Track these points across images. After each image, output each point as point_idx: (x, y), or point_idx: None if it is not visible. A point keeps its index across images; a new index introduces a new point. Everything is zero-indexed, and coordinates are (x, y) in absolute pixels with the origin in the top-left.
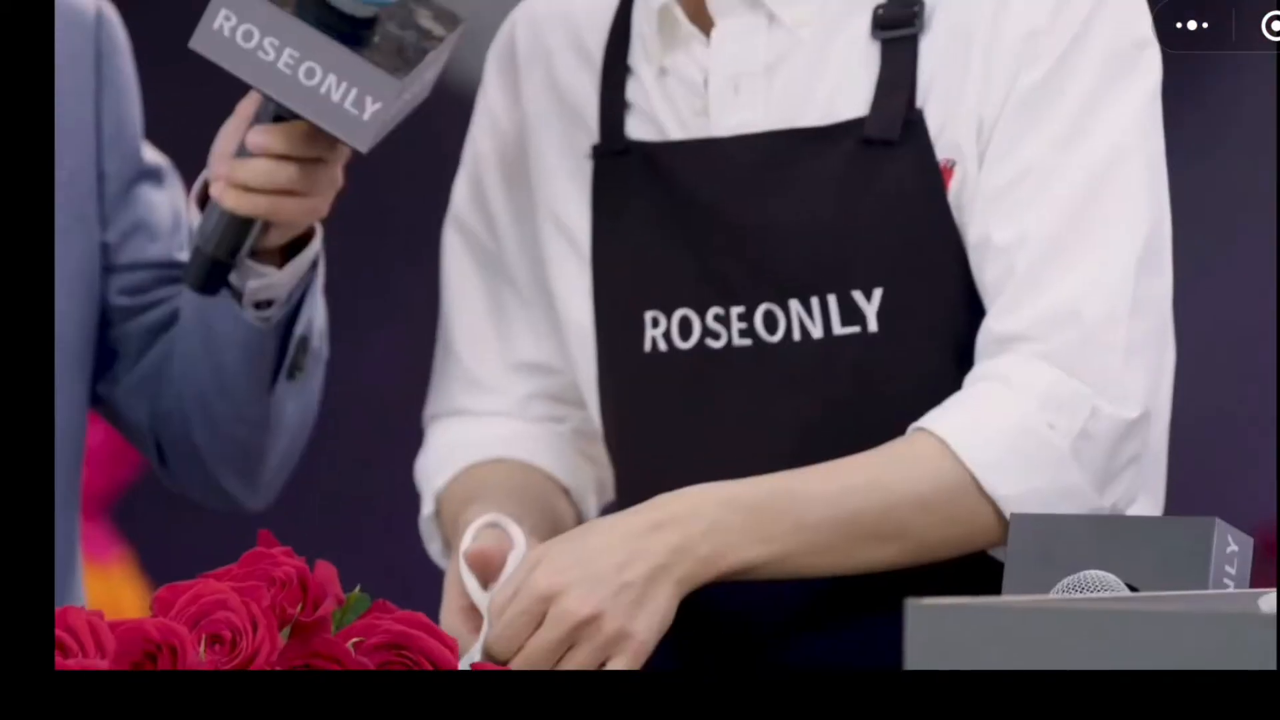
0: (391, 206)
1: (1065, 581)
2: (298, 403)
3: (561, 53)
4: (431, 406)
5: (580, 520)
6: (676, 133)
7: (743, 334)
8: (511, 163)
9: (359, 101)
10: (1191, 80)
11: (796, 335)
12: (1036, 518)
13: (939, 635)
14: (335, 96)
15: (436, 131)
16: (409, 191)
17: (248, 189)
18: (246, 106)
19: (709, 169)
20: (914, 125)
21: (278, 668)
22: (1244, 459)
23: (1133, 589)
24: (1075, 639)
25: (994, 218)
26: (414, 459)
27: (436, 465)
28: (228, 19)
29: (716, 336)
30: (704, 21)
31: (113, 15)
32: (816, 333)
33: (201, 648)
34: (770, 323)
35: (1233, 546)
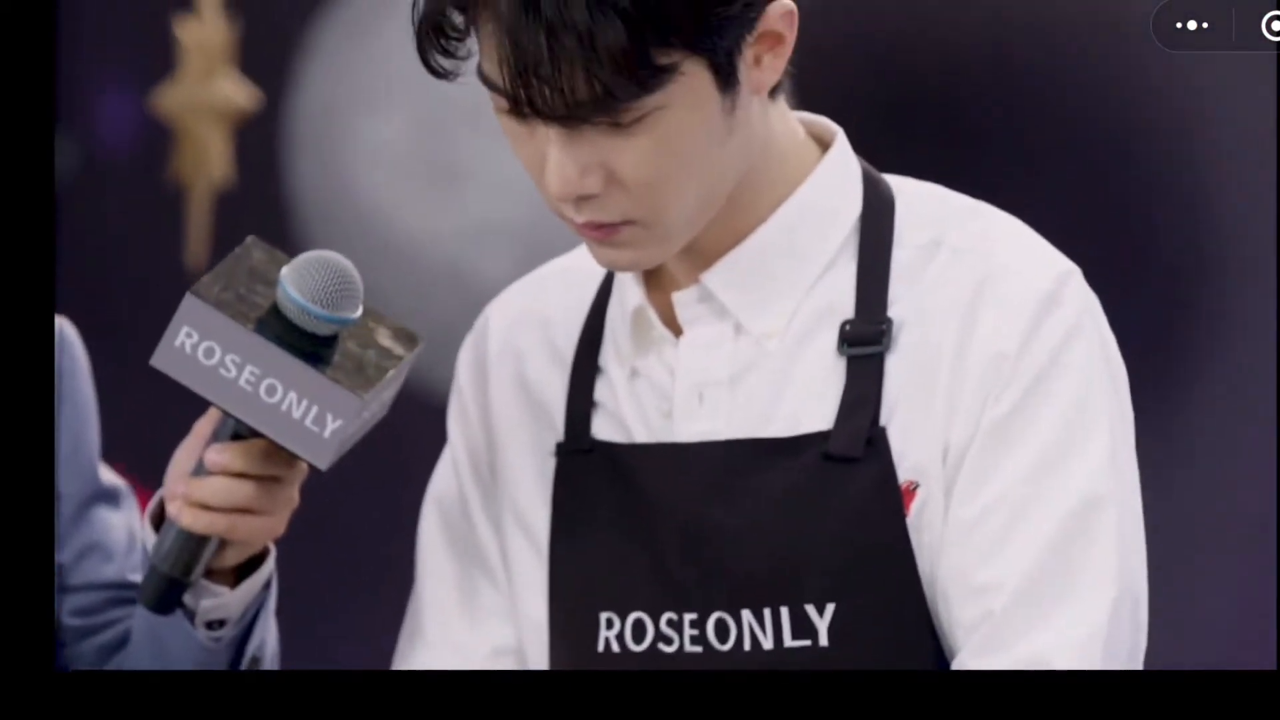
0: (344, 525)
1: None
2: None
3: (533, 350)
4: None
5: None
6: (642, 435)
7: (694, 640)
8: (480, 453)
9: (320, 419)
10: (1191, 80)
11: (747, 645)
12: None
13: None
14: (296, 414)
15: (390, 450)
16: (364, 510)
17: (206, 507)
18: (203, 426)
19: (670, 474)
20: (877, 443)
21: None
22: None
23: None
24: None
25: (969, 554)
26: None
27: None
28: (189, 336)
29: (669, 641)
30: (676, 326)
31: (73, 335)
32: (767, 644)
33: None
34: (722, 631)
35: None
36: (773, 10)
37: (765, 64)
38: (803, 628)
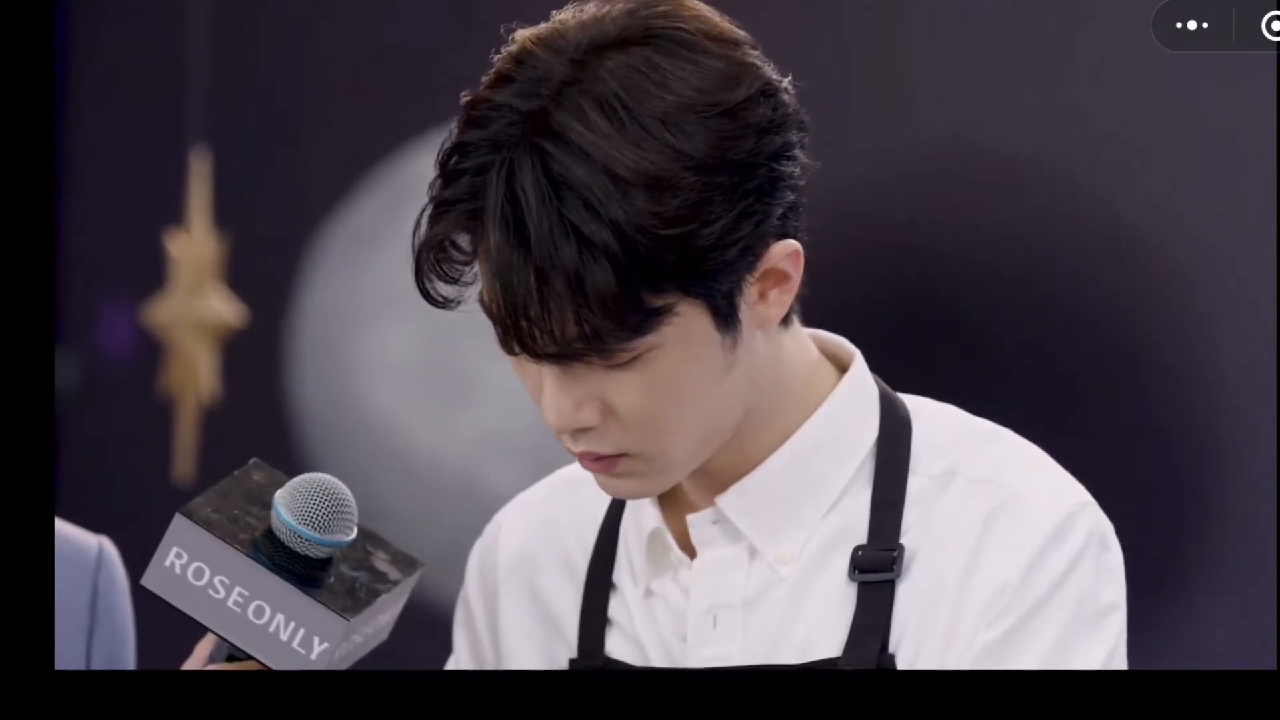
0: None
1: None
2: None
3: (545, 561)
4: None
5: None
6: (657, 655)
7: None
8: (487, 664)
9: (306, 641)
10: (1191, 80)
11: None
12: None
13: None
14: (283, 636)
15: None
16: None
17: None
18: (204, 647)
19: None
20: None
21: None
22: None
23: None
24: None
25: None
26: None
27: None
28: (179, 556)
29: None
30: (692, 547)
31: (113, 553)
32: None
33: None
34: None
35: None
36: (776, 250)
37: (771, 299)
38: None
